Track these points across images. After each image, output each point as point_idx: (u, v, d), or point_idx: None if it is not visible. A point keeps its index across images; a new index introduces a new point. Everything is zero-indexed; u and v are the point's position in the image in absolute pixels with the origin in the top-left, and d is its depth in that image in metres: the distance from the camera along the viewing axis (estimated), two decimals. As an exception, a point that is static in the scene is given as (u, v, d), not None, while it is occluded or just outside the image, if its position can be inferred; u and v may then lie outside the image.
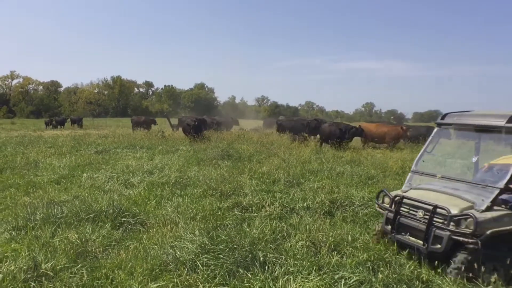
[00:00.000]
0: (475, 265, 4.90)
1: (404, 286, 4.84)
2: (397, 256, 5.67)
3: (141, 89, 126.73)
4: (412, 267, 5.29)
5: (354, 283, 4.83)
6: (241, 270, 5.10)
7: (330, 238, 6.24)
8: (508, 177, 5.16)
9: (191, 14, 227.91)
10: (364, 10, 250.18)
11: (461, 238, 5.03)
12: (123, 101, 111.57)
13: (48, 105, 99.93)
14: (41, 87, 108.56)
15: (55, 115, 63.50)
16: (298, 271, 5.03)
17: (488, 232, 4.93)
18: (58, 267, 5.23)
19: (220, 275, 4.95)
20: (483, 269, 4.88)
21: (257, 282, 4.78)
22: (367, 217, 8.04)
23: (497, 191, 5.16)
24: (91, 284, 4.89)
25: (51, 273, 5.05)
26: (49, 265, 5.20)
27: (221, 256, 5.41)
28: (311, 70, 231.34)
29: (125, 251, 5.89)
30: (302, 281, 4.67)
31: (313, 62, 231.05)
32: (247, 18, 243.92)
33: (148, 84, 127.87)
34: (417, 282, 4.97)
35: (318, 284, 4.67)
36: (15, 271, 4.97)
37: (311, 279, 4.82)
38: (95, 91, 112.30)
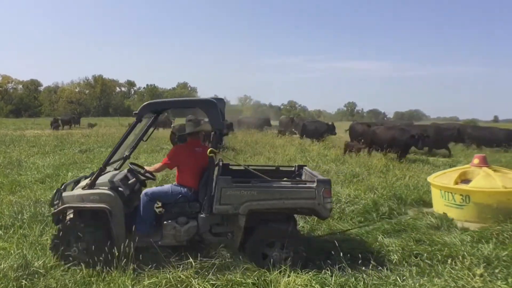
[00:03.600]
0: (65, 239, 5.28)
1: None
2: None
3: (123, 88, 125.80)
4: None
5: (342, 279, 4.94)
6: (232, 268, 5.15)
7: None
8: (106, 160, 5.53)
9: (173, 13, 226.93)
10: (347, 10, 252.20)
11: (53, 212, 5.46)
12: (104, 100, 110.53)
13: (28, 104, 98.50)
14: (20, 86, 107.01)
15: (40, 114, 62.03)
16: (290, 268, 5.09)
17: (61, 207, 5.30)
18: (49, 265, 5.22)
19: (212, 271, 5.00)
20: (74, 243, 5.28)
21: (250, 280, 4.83)
22: (354, 213, 8.19)
23: (97, 171, 5.53)
24: (84, 281, 4.90)
25: (42, 271, 5.04)
26: (40, 263, 5.19)
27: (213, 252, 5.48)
28: (293, 69, 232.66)
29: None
30: (295, 276, 4.74)
31: (295, 61, 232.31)
32: (229, 18, 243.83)
33: (130, 83, 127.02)
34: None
35: (309, 278, 4.75)
36: (5, 269, 4.95)
37: (303, 273, 4.90)
38: (76, 90, 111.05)
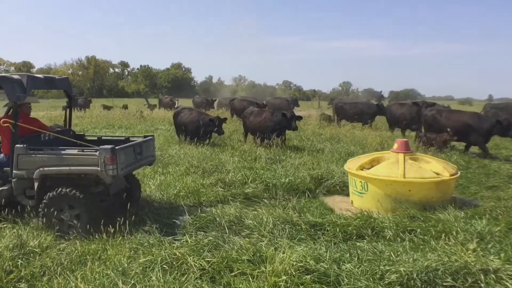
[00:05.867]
0: None
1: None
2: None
3: (116, 69, 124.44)
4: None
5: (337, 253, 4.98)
6: (227, 246, 5.17)
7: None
8: None
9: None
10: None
11: None
12: (98, 81, 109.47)
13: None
14: (12, 68, 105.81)
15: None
16: (287, 244, 5.14)
17: None
18: (44, 244, 5.25)
19: (207, 248, 5.02)
20: None
21: (245, 256, 4.85)
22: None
23: None
24: (80, 259, 4.92)
25: (38, 250, 5.06)
26: (36, 242, 5.21)
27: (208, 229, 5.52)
28: (288, 49, 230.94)
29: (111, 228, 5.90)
30: (290, 252, 4.75)
31: (290, 41, 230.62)
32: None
33: (124, 64, 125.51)
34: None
35: (304, 253, 4.76)
36: (1, 249, 4.96)
37: (298, 249, 4.93)
38: (69, 71, 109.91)
